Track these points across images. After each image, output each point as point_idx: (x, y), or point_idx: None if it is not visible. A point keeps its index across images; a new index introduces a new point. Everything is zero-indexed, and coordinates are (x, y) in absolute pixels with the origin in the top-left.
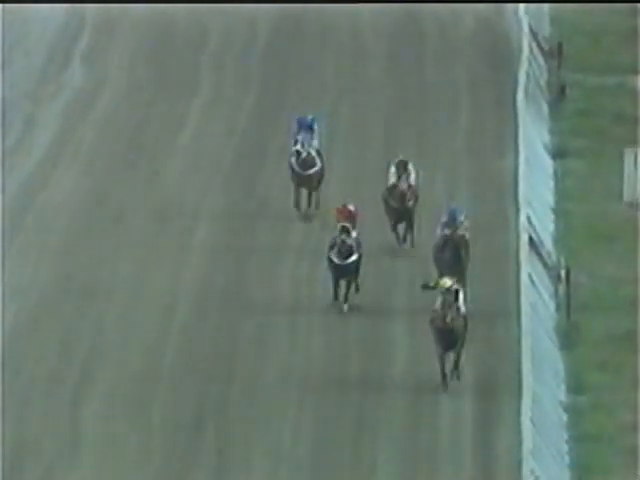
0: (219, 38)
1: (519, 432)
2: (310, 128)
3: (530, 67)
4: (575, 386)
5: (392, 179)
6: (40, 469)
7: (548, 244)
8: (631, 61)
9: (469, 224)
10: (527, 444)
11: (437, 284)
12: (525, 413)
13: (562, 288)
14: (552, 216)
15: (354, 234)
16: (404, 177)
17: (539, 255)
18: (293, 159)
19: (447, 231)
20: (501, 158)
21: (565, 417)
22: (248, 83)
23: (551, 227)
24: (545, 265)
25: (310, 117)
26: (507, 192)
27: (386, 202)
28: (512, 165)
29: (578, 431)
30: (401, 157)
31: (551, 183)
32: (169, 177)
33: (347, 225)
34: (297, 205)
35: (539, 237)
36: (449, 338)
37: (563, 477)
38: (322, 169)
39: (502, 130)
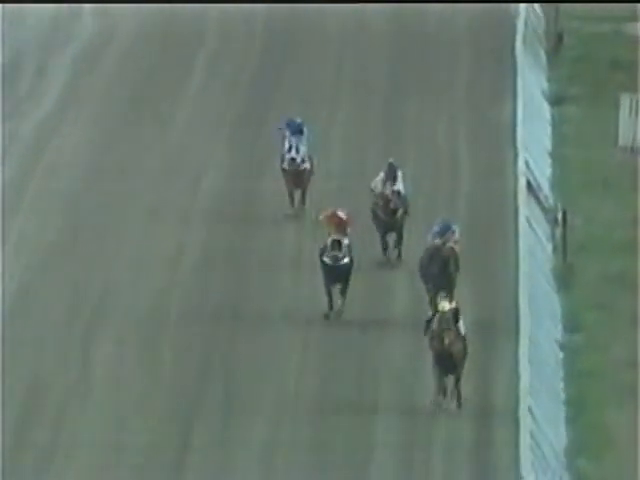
0: None
1: (517, 371)
2: (300, 131)
3: (528, 17)
4: (571, 325)
5: (379, 186)
6: (53, 406)
7: (545, 188)
8: (628, 8)
9: (459, 237)
10: (524, 382)
11: (436, 308)
12: (522, 352)
13: (559, 231)
14: (549, 161)
15: (346, 241)
16: (394, 185)
17: (537, 199)
18: (286, 163)
19: (437, 241)
20: (500, 105)
21: (561, 355)
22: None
23: (548, 171)
24: (542, 208)
25: (299, 120)
26: (506, 138)
27: (374, 211)
28: (511, 112)
29: (573, 368)
30: (391, 160)
31: (549, 129)
32: (175, 126)
33: (338, 238)
34: (291, 203)
35: (537, 181)
36: (448, 362)
37: (559, 413)
38: (311, 169)
39: (501, 78)
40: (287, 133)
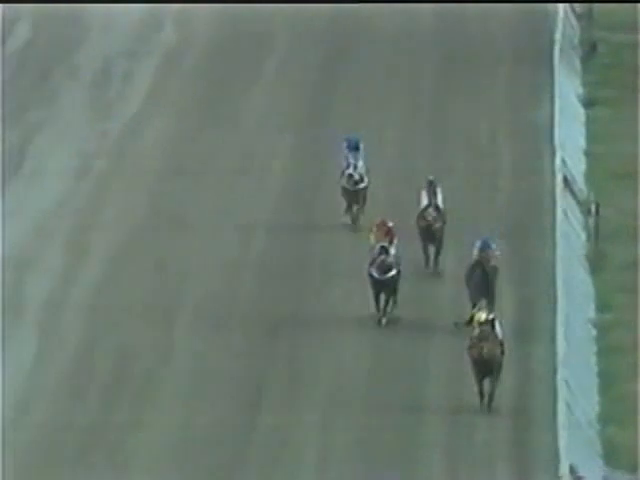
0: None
1: (553, 345)
2: (356, 148)
3: (564, 27)
4: (602, 305)
5: (423, 202)
6: (140, 372)
7: (580, 182)
8: None
9: (499, 253)
10: (560, 356)
11: (472, 319)
12: (559, 329)
13: (592, 220)
14: (583, 157)
15: (393, 251)
16: (435, 200)
17: (572, 192)
18: (345, 180)
19: (479, 256)
20: (538, 107)
21: (594, 332)
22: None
23: (582, 167)
24: (577, 200)
25: (356, 138)
26: (544, 137)
27: (418, 225)
28: (548, 113)
29: (605, 344)
30: (431, 178)
31: (582, 129)
32: (248, 123)
33: (385, 245)
34: (349, 214)
35: (572, 176)
36: (485, 368)
37: (591, 384)
38: (367, 185)
39: (539, 83)
40: (345, 150)
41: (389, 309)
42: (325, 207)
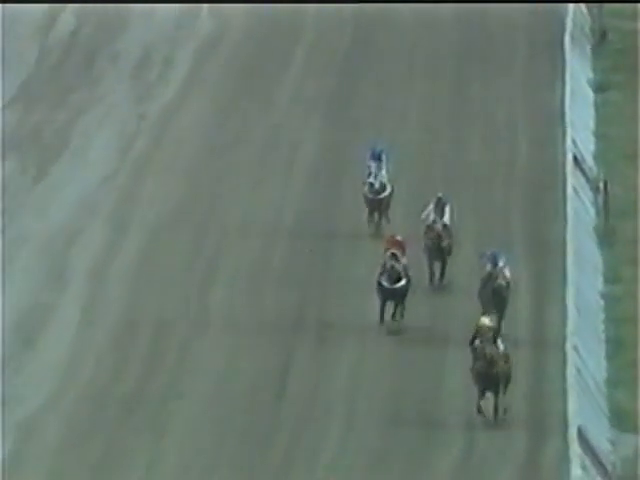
0: None
1: (565, 314)
2: (379, 158)
3: (575, 15)
4: (611, 277)
5: (430, 218)
6: (178, 339)
7: (589, 161)
8: None
9: (509, 270)
10: (571, 324)
11: (477, 324)
12: (570, 299)
13: (601, 197)
14: (593, 138)
15: (403, 261)
16: (442, 217)
17: (582, 170)
18: (366, 188)
19: (490, 270)
20: (551, 91)
21: (602, 302)
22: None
23: (592, 147)
24: (587, 178)
25: (379, 148)
26: (556, 118)
27: (424, 240)
28: (560, 96)
29: (612, 314)
30: (440, 195)
31: (592, 111)
32: (279, 105)
33: (396, 252)
34: (370, 223)
35: (582, 155)
36: (488, 377)
37: (600, 351)
38: (391, 194)
39: (552, 68)
40: (369, 159)
41: (397, 317)
42: (351, 179)
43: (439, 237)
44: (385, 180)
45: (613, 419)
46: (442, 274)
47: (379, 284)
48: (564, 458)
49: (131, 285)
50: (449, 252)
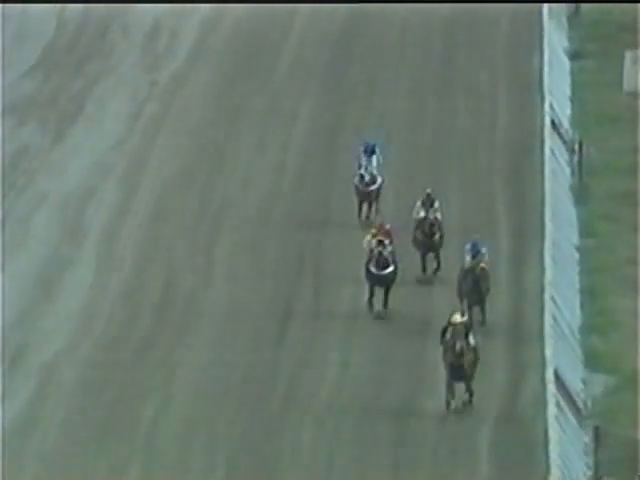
0: None
1: (542, 267)
2: (372, 152)
3: None
4: (585, 232)
5: (421, 213)
6: (185, 293)
7: (566, 125)
8: None
9: (488, 257)
10: (548, 276)
11: (449, 320)
12: (547, 252)
13: (576, 157)
14: (569, 103)
15: (390, 248)
16: (431, 211)
17: (559, 133)
18: (357, 179)
19: (470, 262)
20: (530, 59)
21: (577, 255)
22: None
23: (568, 112)
24: (563, 141)
25: (373, 143)
26: (535, 85)
27: (414, 237)
28: (539, 65)
29: (587, 265)
30: (429, 191)
31: (568, 78)
32: (278, 74)
33: (383, 239)
34: (359, 214)
35: (559, 119)
36: (458, 369)
37: (574, 300)
38: (380, 186)
39: (531, 38)
40: (361, 153)
41: (383, 308)
42: (347, 146)
43: (431, 232)
44: (375, 172)
45: (586, 362)
46: (438, 265)
47: (367, 270)
48: (541, 397)
49: (142, 240)
50: (440, 245)
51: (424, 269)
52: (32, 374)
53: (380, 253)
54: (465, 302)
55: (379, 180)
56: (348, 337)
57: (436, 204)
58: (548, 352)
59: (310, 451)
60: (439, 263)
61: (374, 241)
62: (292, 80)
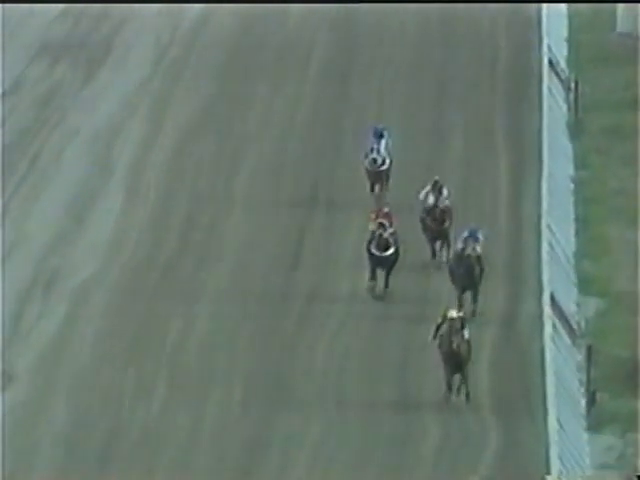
0: None
1: (539, 197)
2: (381, 135)
3: None
4: (580, 164)
5: (430, 199)
6: (207, 223)
7: (562, 64)
8: None
9: (485, 241)
10: (544, 205)
11: (444, 316)
12: (544, 183)
13: (572, 95)
14: (565, 44)
15: (390, 230)
16: (441, 199)
17: (556, 72)
18: (368, 162)
19: (465, 248)
20: (529, 5)
21: (572, 186)
22: None
23: (565, 52)
24: (560, 79)
25: (381, 127)
26: (533, 27)
27: (423, 222)
28: (537, 8)
29: (581, 196)
30: (437, 178)
31: (565, 21)
32: (293, 17)
33: (383, 221)
34: (372, 192)
35: (556, 59)
36: (455, 362)
37: (569, 228)
38: (390, 167)
39: None
40: (371, 137)
41: (383, 289)
42: (359, 78)
43: (442, 218)
44: (385, 154)
45: (579, 285)
46: (448, 252)
47: (369, 252)
48: (538, 319)
49: (166, 173)
50: (450, 231)
51: (434, 255)
52: (65, 297)
53: (380, 235)
54: (458, 287)
55: (388, 161)
56: (358, 261)
57: (444, 191)
58: (544, 277)
59: (322, 371)
60: (448, 250)
61: (374, 224)
62: (306, 21)
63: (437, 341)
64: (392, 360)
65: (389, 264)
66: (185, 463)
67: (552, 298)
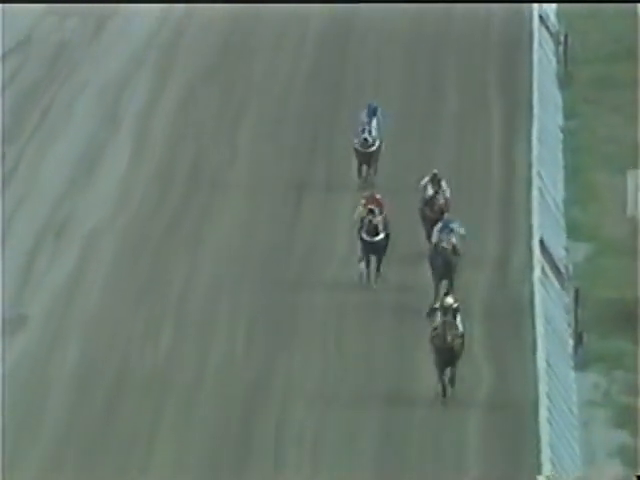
0: None
1: (530, 146)
2: (374, 114)
3: None
4: (569, 114)
5: (429, 191)
6: (210, 173)
7: (553, 19)
8: None
9: (463, 231)
10: (535, 153)
11: (441, 302)
12: (535, 133)
13: (561, 48)
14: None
15: (379, 216)
16: (441, 192)
17: (546, 26)
18: (358, 142)
19: (441, 240)
20: None
21: (561, 135)
22: None
23: (554, 7)
24: (550, 33)
25: (375, 105)
26: None
27: (422, 212)
28: None
29: (570, 144)
30: (435, 171)
31: None
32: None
33: (373, 207)
34: (359, 175)
35: (546, 14)
36: (448, 356)
37: (559, 175)
38: (379, 148)
39: None
40: (363, 115)
41: (376, 274)
42: (358, 43)
43: (440, 210)
44: (375, 135)
45: (568, 231)
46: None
47: (361, 238)
48: (528, 263)
49: (172, 125)
50: None
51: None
52: (76, 243)
53: (370, 221)
54: (436, 277)
55: (378, 143)
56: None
57: (443, 183)
58: (534, 223)
59: (321, 320)
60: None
61: (364, 210)
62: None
63: (430, 334)
64: (388, 305)
65: (379, 249)
66: (191, 401)
67: (542, 243)
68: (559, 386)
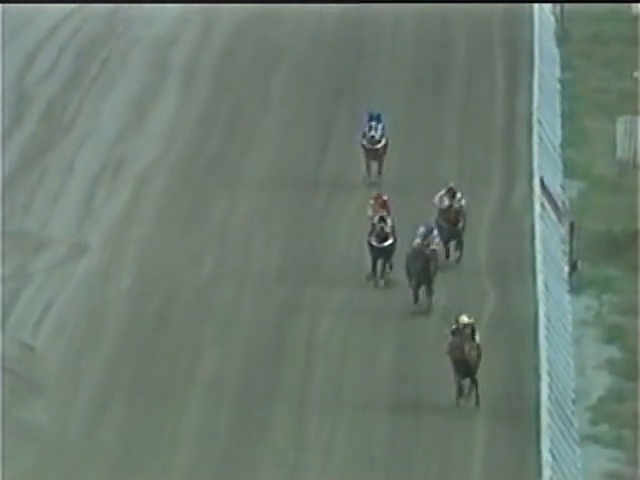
0: None
1: (531, 95)
2: (378, 119)
3: None
4: (566, 66)
5: (445, 202)
6: (248, 118)
7: None
8: None
9: (464, 202)
10: (535, 102)
11: (456, 321)
12: (535, 84)
13: (558, 8)
14: None
15: (389, 222)
16: (455, 201)
17: None
18: (365, 140)
19: (420, 243)
20: None
21: (559, 86)
22: None
23: None
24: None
25: (377, 112)
26: None
27: (438, 223)
28: None
29: (566, 94)
30: (451, 184)
31: None
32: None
33: (384, 215)
34: (367, 173)
35: None
36: (466, 368)
37: (556, 122)
38: (386, 145)
39: None
40: (366, 120)
41: (387, 271)
42: (372, 36)
43: (456, 219)
44: (382, 136)
45: (564, 171)
46: (461, 252)
47: (369, 243)
48: (529, 199)
49: (214, 75)
50: (463, 232)
51: (447, 256)
52: (130, 181)
53: (382, 229)
54: (413, 281)
55: (384, 140)
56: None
57: (458, 194)
58: (535, 164)
59: (345, 247)
60: (462, 251)
61: (376, 217)
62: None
63: (447, 347)
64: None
65: (388, 253)
66: (229, 322)
67: (541, 181)
68: (555, 307)
